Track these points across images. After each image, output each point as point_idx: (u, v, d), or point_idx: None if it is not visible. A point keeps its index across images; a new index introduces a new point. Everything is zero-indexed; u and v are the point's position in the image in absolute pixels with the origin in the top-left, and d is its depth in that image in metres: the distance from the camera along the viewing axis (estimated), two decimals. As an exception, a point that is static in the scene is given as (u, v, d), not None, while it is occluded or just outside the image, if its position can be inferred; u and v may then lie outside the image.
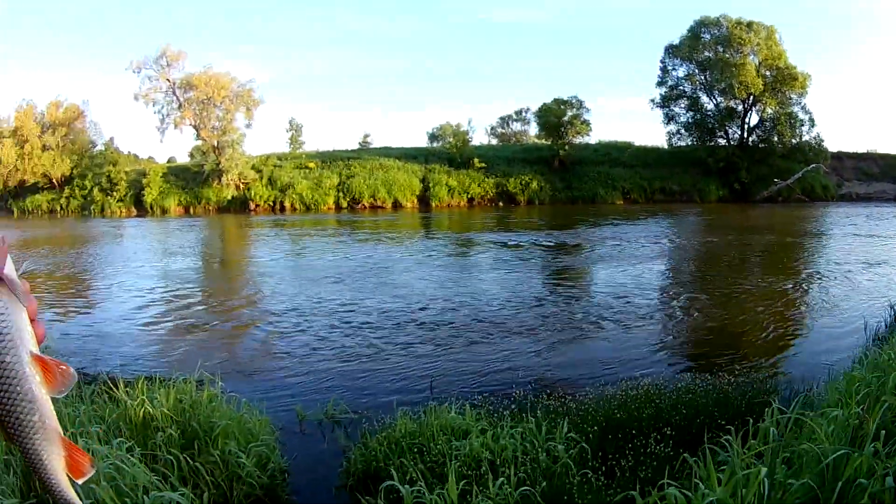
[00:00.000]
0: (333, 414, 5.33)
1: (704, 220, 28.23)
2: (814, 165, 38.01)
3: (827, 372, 5.42)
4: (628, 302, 9.88)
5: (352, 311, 9.67)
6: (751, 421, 3.32)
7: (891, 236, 20.46)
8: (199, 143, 37.83)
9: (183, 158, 45.25)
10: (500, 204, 32.12)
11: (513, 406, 4.64)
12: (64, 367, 0.70)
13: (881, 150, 45.49)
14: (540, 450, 3.78)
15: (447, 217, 30.11)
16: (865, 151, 44.88)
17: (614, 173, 32.99)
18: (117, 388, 4.37)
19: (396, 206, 32.37)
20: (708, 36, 36.34)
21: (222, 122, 36.78)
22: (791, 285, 11.68)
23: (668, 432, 3.89)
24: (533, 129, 40.62)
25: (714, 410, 4.24)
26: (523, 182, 31.97)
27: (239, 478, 3.81)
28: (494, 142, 41.49)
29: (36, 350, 0.68)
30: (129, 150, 48.52)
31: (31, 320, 0.68)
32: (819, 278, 12.33)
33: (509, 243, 18.42)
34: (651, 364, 6.77)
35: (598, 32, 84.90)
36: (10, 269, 0.66)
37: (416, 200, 32.24)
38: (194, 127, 37.87)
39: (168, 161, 45.23)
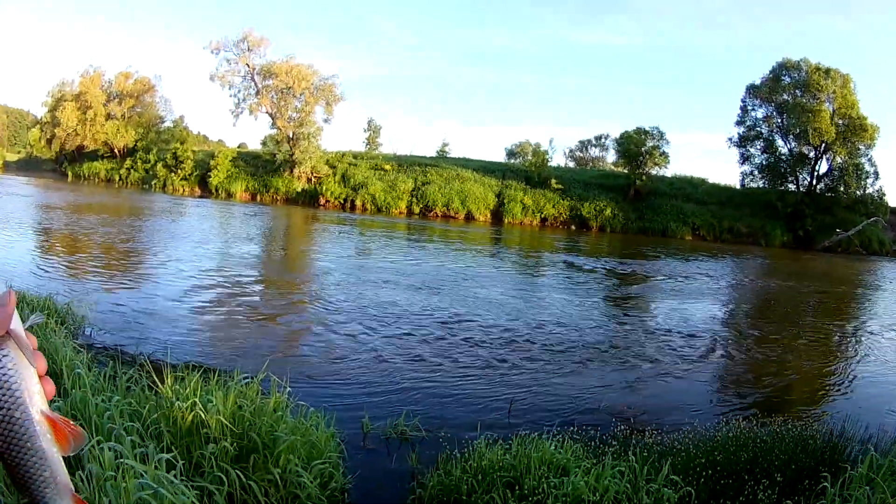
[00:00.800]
0: (404, 430, 4.89)
1: (769, 263, 28.63)
2: (874, 219, 38.26)
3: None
4: (701, 338, 9.93)
5: (422, 320, 9.22)
6: (847, 468, 3.44)
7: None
8: (274, 131, 38.18)
9: (254, 145, 45.70)
10: (573, 227, 32.48)
11: (613, 442, 4.30)
12: (73, 427, 0.72)
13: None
14: (643, 492, 3.48)
15: (519, 234, 30.52)
16: (924, 209, 45.19)
17: (686, 208, 33.30)
18: (163, 381, 3.79)
19: (469, 217, 32.74)
20: (788, 79, 36.54)
21: (300, 113, 37.13)
22: (847, 336, 11.85)
23: (777, 478, 3.73)
24: (610, 156, 40.92)
25: (802, 456, 4.18)
26: (598, 207, 32.32)
27: (296, 497, 3.36)
28: (571, 164, 41.83)
29: (45, 408, 0.69)
30: (198, 130, 48.96)
31: (40, 377, 0.69)
32: (872, 330, 12.52)
33: (583, 267, 18.58)
34: (721, 404, 6.82)
35: (679, 66, 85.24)
36: (17, 326, 0.67)
37: (489, 214, 32.61)
38: (270, 115, 38.23)
39: (238, 146, 45.60)
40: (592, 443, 4.35)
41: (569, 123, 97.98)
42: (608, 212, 32.16)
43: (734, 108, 37.67)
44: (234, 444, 3.35)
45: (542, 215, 32.31)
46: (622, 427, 4.90)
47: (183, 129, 43.20)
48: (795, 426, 4.79)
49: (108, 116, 46.59)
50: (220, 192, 38.85)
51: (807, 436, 4.56)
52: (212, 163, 39.43)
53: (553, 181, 32.61)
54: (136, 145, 45.26)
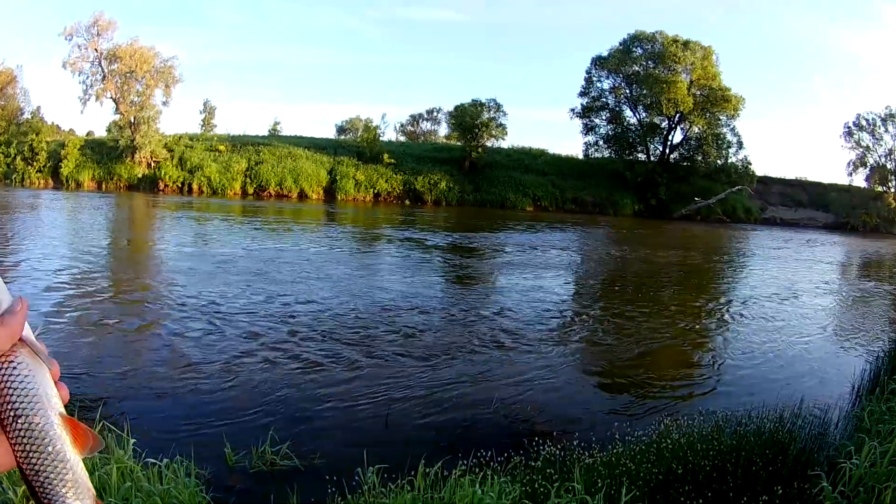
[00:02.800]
0: (273, 461, 4.17)
1: (617, 233, 27.87)
2: (738, 187, 37.92)
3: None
4: (564, 317, 9.59)
5: (267, 312, 8.58)
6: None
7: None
8: (118, 117, 36.99)
9: (101, 132, 44.35)
10: (407, 202, 31.63)
11: (538, 463, 3.62)
12: (89, 429, 0.69)
13: (811, 178, 45.86)
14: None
15: (353, 211, 29.57)
16: (794, 178, 45.06)
17: (526, 179, 32.60)
18: None
19: (302, 196, 31.81)
20: (640, 50, 36.13)
21: (141, 97, 36.03)
22: (709, 305, 11.51)
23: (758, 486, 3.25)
24: (443, 129, 40.23)
25: (768, 452, 3.72)
26: (432, 181, 31.49)
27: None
28: (403, 139, 40.89)
29: (63, 411, 0.67)
30: (52, 120, 47.44)
31: (55, 382, 0.68)
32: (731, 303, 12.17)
33: (425, 242, 18.08)
34: (614, 395, 6.37)
35: (517, 43, 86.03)
36: (29, 332, 0.67)
37: (321, 192, 31.71)
38: (114, 100, 37.08)
39: (87, 134, 44.23)
40: (516, 471, 3.62)
41: (401, 102, 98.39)
42: (443, 185, 31.34)
43: (574, 84, 37.10)
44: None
45: (376, 191, 31.46)
46: (534, 438, 4.20)
47: (39, 120, 41.82)
48: (733, 416, 4.47)
49: (-26, 112, 45.03)
50: (70, 182, 37.71)
51: (762, 427, 4.14)
52: (62, 152, 38.25)
53: (385, 156, 31.76)
54: (-1, 139, 43.69)
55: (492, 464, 3.58)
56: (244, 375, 6.08)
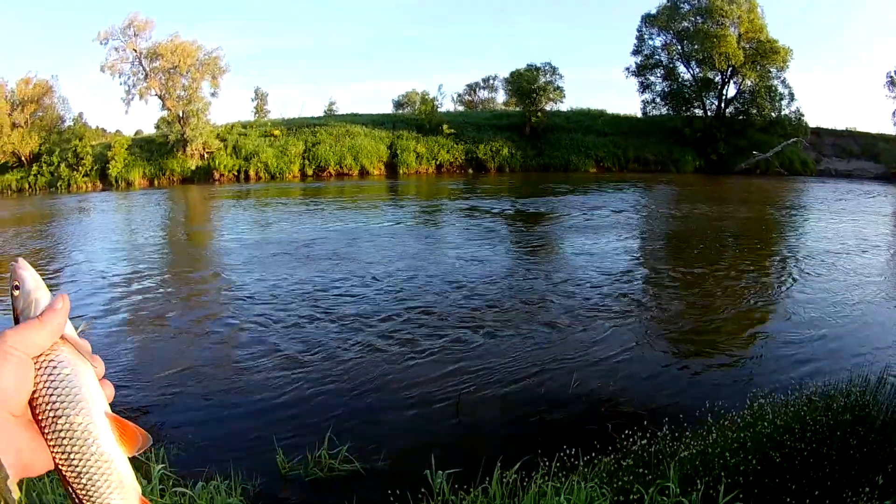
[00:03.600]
0: (332, 465, 3.83)
1: (681, 190, 27.32)
2: (793, 139, 37.34)
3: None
4: (633, 283, 9.18)
5: (331, 298, 8.19)
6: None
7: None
8: (165, 113, 36.97)
9: (150, 130, 44.34)
10: (470, 171, 31.20)
11: (629, 461, 3.22)
12: (140, 430, 0.67)
13: (861, 129, 45.14)
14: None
15: (416, 184, 29.18)
16: (845, 129, 44.35)
17: (587, 141, 32.10)
18: None
19: (363, 173, 31.41)
20: (687, 6, 35.60)
21: (188, 91, 35.93)
22: (781, 263, 11.00)
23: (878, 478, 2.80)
24: (500, 96, 39.76)
25: (860, 429, 3.32)
26: (494, 149, 31.03)
27: None
28: (461, 109, 40.53)
29: (108, 409, 0.66)
30: (97, 124, 47.56)
31: (99, 380, 0.67)
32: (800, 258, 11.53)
33: (486, 211, 17.52)
34: (685, 369, 5.87)
35: (566, 2, 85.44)
36: (71, 331, 0.66)
37: (383, 167, 31.29)
38: (160, 97, 37.01)
39: (135, 133, 44.24)
40: (604, 472, 3.24)
41: (455, 70, 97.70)
42: (505, 151, 30.87)
43: (626, 43, 36.60)
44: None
45: (438, 162, 31.01)
46: (618, 425, 3.95)
47: (82, 126, 41.89)
48: (824, 389, 4.00)
49: (13, 125, 45.17)
50: (119, 182, 37.72)
51: (850, 401, 3.65)
52: (109, 154, 38.32)
53: (445, 127, 31.32)
54: (40, 149, 43.80)
55: (577, 463, 3.19)
56: (300, 372, 5.55)
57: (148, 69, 37.41)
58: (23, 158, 44.90)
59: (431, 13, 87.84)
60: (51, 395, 0.61)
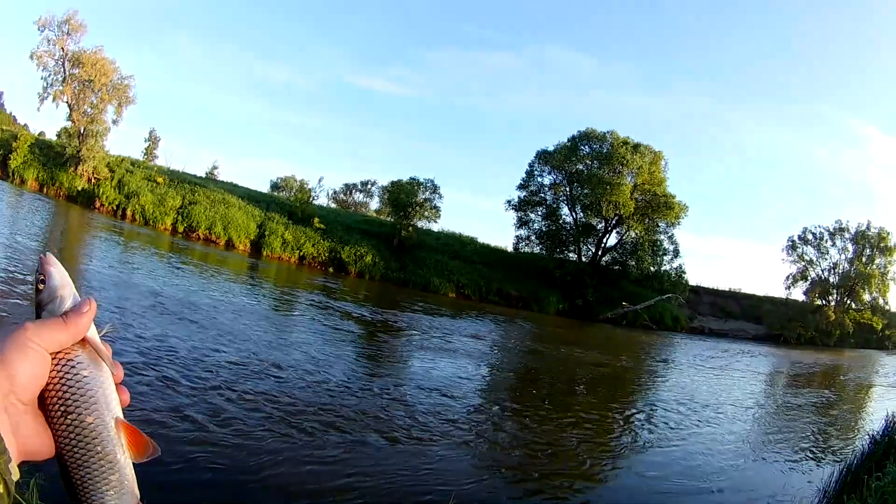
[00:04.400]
0: None
1: (540, 330, 28.31)
2: (668, 296, 38.29)
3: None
4: (461, 409, 9.58)
5: (176, 358, 8.64)
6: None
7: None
8: (69, 124, 36.93)
9: (53, 136, 44.24)
10: (331, 269, 32.05)
11: None
12: (150, 439, 0.71)
13: (746, 290, 46.73)
14: None
15: (277, 269, 29.91)
16: (728, 289, 45.89)
17: (452, 265, 33.07)
18: None
19: (229, 244, 32.09)
20: (587, 149, 36.08)
21: (94, 109, 35.98)
22: (628, 411, 11.75)
23: None
24: (375, 203, 40.79)
25: None
26: (358, 253, 31.90)
27: None
28: (334, 206, 41.24)
29: (120, 415, 0.69)
30: (11, 110, 47.11)
31: (116, 385, 0.70)
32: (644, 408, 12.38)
33: (342, 312, 18.52)
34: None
35: (461, 126, 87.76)
36: (93, 334, 0.68)
37: (248, 244, 32.02)
38: (69, 105, 36.96)
39: (39, 134, 44.02)
40: None
41: (336, 168, 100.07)
42: (368, 258, 31.76)
43: (511, 177, 37.25)
44: None
45: (301, 253, 31.81)
46: None
47: (-4, 107, 41.45)
48: None
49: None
50: (15, 176, 37.68)
51: None
52: (14, 145, 38.13)
53: (316, 220, 32.11)
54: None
55: None
56: (169, 432, 5.89)
57: (67, 73, 37.28)
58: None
59: (327, 104, 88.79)
60: (64, 392, 0.63)
